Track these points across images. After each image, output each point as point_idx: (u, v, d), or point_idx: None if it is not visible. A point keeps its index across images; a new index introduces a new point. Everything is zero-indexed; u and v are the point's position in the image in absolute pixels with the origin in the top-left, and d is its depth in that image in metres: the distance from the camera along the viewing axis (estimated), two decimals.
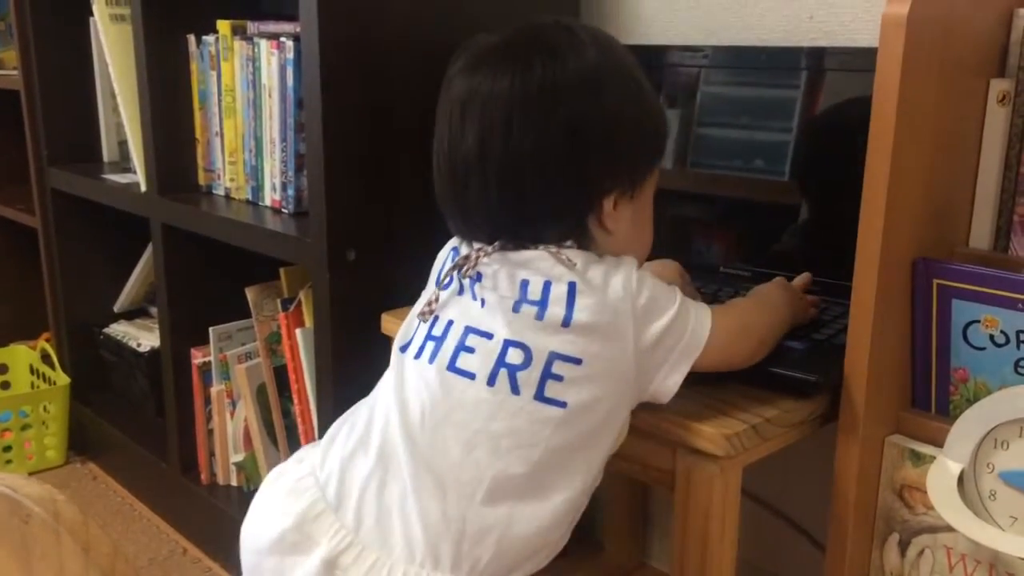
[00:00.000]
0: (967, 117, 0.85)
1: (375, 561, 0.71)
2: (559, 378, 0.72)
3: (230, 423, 1.47)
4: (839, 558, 0.84)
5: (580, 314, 0.72)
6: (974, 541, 0.77)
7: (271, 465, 1.41)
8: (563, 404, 0.72)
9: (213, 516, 1.49)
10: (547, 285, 0.73)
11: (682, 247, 1.12)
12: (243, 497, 1.49)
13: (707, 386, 0.83)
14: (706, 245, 1.13)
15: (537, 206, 0.75)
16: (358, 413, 0.81)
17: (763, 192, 1.06)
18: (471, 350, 0.74)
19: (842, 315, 0.91)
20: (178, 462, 1.56)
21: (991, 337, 0.78)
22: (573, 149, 0.73)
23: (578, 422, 0.73)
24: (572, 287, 0.73)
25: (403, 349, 0.80)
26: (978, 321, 0.78)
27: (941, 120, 0.81)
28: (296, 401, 1.30)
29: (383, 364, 1.08)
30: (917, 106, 0.76)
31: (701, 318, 0.77)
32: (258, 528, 0.77)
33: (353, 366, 1.16)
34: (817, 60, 1.01)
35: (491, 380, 0.73)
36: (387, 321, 1.07)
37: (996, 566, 0.77)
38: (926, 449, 0.81)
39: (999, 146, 0.85)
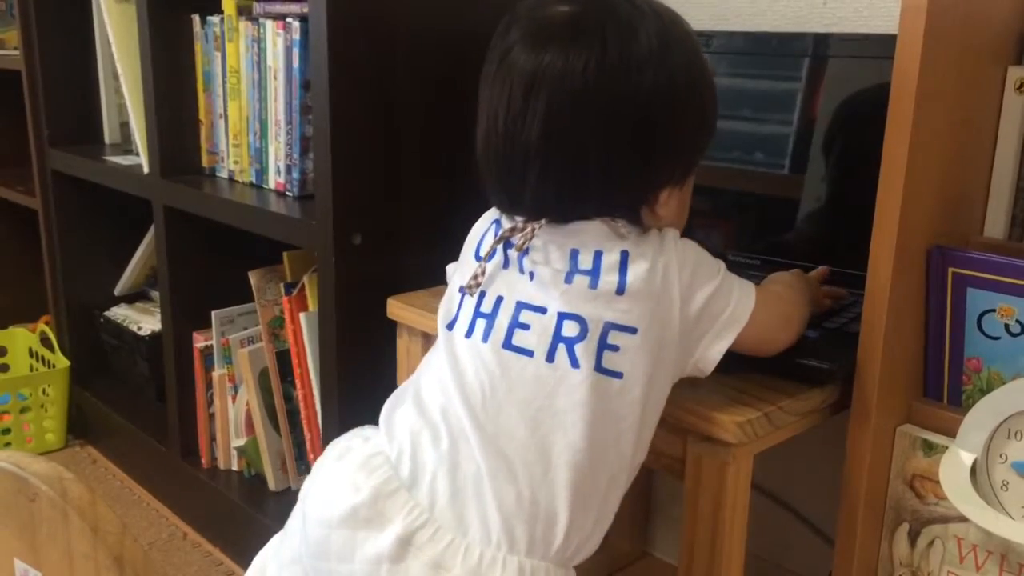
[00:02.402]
0: (984, 105, 0.84)
1: (451, 541, 0.70)
2: (615, 348, 0.71)
3: (231, 408, 1.47)
4: (848, 548, 0.83)
5: (634, 281, 0.71)
6: (986, 531, 0.76)
7: (272, 450, 1.40)
8: (619, 375, 0.71)
9: (214, 501, 1.49)
10: (598, 254, 0.72)
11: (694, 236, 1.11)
12: (244, 482, 1.48)
13: (719, 373, 0.82)
14: (714, 233, 1.12)
15: (596, 196, 0.73)
16: (410, 395, 0.78)
17: (774, 180, 1.05)
18: (526, 327, 0.73)
19: (855, 303, 0.91)
20: (179, 446, 1.55)
21: (1006, 326, 0.77)
22: (640, 144, 0.72)
23: (633, 394, 0.72)
24: (624, 255, 0.72)
25: (450, 327, 0.78)
26: (993, 310, 0.78)
27: (958, 108, 0.80)
28: (299, 386, 1.30)
29: (389, 349, 1.08)
30: (935, 93, 0.75)
31: (747, 290, 0.77)
32: (328, 501, 0.74)
33: (358, 351, 1.15)
34: (831, 47, 1.00)
35: (550, 356, 0.72)
36: (393, 305, 1.06)
37: (1008, 556, 0.77)
38: (938, 439, 0.80)
39: (1016, 134, 0.84)
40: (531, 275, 0.74)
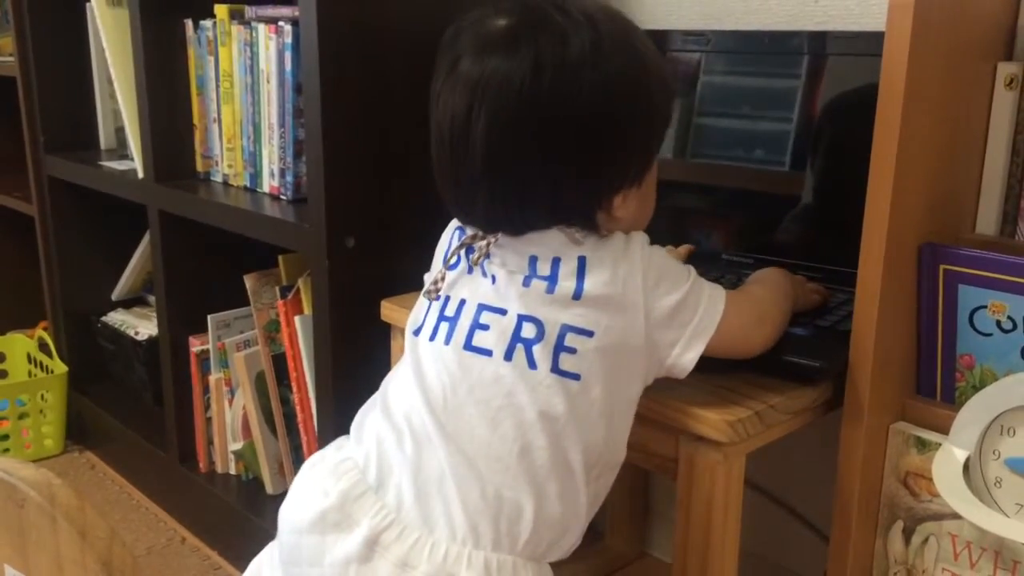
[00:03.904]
0: (974, 101, 0.84)
1: (417, 539, 0.71)
2: (572, 351, 0.72)
3: (228, 411, 1.47)
4: (843, 545, 0.83)
5: (591, 287, 0.72)
6: (980, 528, 0.76)
7: (270, 453, 1.40)
8: (577, 376, 0.72)
9: (212, 505, 1.49)
10: (556, 261, 0.73)
11: (686, 235, 1.11)
12: (242, 485, 1.48)
13: (710, 372, 0.82)
14: (708, 232, 1.12)
15: (546, 206, 0.73)
16: (379, 401, 0.80)
17: (766, 179, 1.05)
18: (486, 327, 0.74)
19: (846, 302, 0.91)
20: (176, 451, 1.55)
21: (998, 323, 0.77)
22: (583, 151, 0.72)
23: (592, 394, 0.72)
24: (582, 261, 0.72)
25: (416, 332, 0.79)
26: (985, 307, 0.78)
27: (948, 104, 0.80)
28: (295, 389, 1.30)
29: (383, 351, 1.08)
30: (924, 90, 0.75)
31: (715, 298, 0.76)
32: (298, 507, 0.76)
33: (352, 354, 1.15)
34: (823, 45, 1.00)
35: (508, 355, 0.72)
36: (387, 308, 1.06)
37: (1001, 553, 0.77)
38: (931, 436, 0.80)
39: (1007, 131, 0.84)
40: (493, 278, 0.75)
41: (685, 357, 0.75)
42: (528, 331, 0.72)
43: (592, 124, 0.71)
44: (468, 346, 0.74)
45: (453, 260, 0.78)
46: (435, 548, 0.70)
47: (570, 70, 0.70)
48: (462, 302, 0.76)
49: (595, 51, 0.70)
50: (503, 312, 0.73)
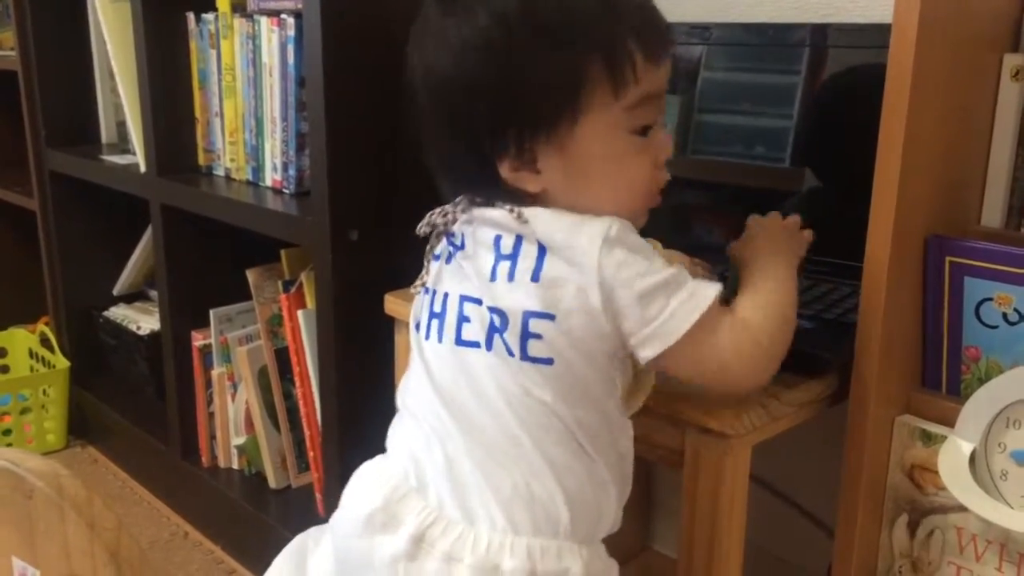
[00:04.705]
0: (980, 93, 0.84)
1: (460, 533, 0.71)
2: (539, 336, 0.70)
3: (231, 406, 1.47)
4: (848, 538, 0.83)
5: (548, 270, 0.70)
6: (986, 521, 0.76)
7: (272, 448, 1.40)
8: (549, 361, 0.71)
9: (214, 499, 1.49)
10: (519, 239, 0.72)
11: (694, 229, 1.11)
12: (244, 480, 1.48)
13: None
14: (713, 226, 1.12)
15: (455, 177, 0.76)
16: (401, 409, 0.81)
17: (772, 172, 1.05)
18: (468, 319, 0.74)
19: (851, 294, 0.91)
20: (179, 445, 1.56)
21: (1004, 315, 0.77)
22: (445, 118, 0.72)
23: (575, 375, 0.71)
24: (541, 244, 0.70)
25: (417, 328, 0.80)
26: (991, 299, 0.77)
27: (954, 96, 0.80)
28: (298, 383, 1.30)
29: (386, 345, 1.08)
30: (930, 81, 0.75)
31: (691, 305, 0.69)
32: (347, 514, 0.78)
33: (356, 347, 1.15)
34: (828, 37, 1.00)
35: (489, 345, 0.72)
36: (390, 302, 1.05)
37: (1007, 545, 0.77)
38: (937, 429, 0.80)
39: (1012, 122, 0.84)
40: (466, 267, 0.75)
41: (640, 353, 0.71)
42: (497, 320, 0.72)
43: (444, 88, 0.71)
44: (459, 341, 0.74)
45: (436, 250, 0.78)
46: (478, 540, 0.70)
47: (432, 37, 0.71)
48: (446, 295, 0.76)
49: (449, 16, 0.71)
50: (479, 302, 0.73)
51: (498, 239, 0.73)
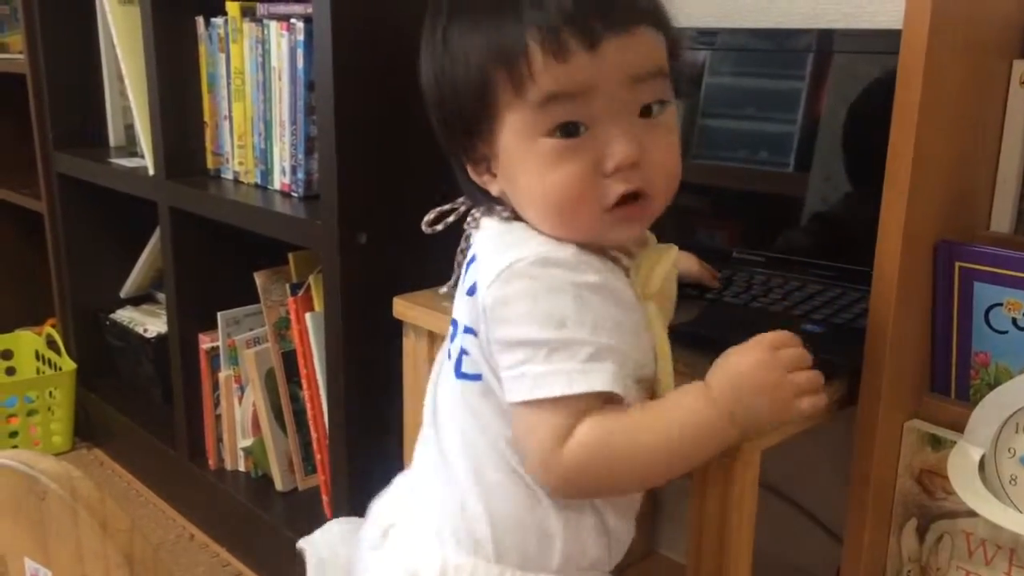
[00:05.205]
0: (990, 99, 0.84)
1: (408, 534, 0.76)
2: (468, 352, 0.70)
3: (238, 408, 1.47)
4: (857, 544, 0.83)
5: (472, 284, 0.69)
6: (995, 526, 0.76)
7: (279, 450, 1.41)
8: (478, 377, 0.69)
9: (221, 501, 1.49)
10: (470, 248, 0.73)
11: (700, 235, 1.11)
12: (251, 482, 1.48)
13: None
14: (721, 231, 1.12)
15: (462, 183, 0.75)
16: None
17: (781, 177, 1.05)
18: (467, 352, 0.71)
19: (861, 299, 0.91)
20: (186, 448, 1.56)
21: (1014, 320, 0.77)
22: (434, 119, 0.71)
23: (496, 395, 0.68)
24: (472, 259, 0.71)
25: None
26: (1000, 304, 0.77)
27: (964, 102, 0.80)
28: (305, 386, 1.30)
29: (394, 349, 1.08)
30: (941, 87, 0.75)
31: (530, 381, 0.63)
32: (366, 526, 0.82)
33: (363, 351, 1.16)
34: (836, 43, 1.00)
35: (451, 358, 0.74)
36: (399, 305, 1.06)
37: (1017, 551, 0.77)
38: (946, 434, 0.80)
39: (1021, 128, 0.84)
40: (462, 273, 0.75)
41: (504, 390, 0.66)
42: (450, 331, 0.74)
43: (425, 91, 0.71)
44: (448, 354, 0.74)
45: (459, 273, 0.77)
46: (413, 546, 0.74)
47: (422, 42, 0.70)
48: (454, 322, 0.74)
49: (430, 29, 0.70)
50: (456, 324, 0.73)
51: (469, 247, 0.73)
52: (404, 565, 0.73)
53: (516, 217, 0.70)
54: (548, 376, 0.62)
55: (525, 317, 0.63)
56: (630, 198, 0.65)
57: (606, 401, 0.64)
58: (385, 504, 0.81)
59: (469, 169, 0.71)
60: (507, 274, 0.64)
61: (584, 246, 0.66)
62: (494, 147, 0.67)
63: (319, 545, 0.89)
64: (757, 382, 0.64)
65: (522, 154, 0.65)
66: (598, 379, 0.62)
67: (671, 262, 0.71)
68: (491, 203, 0.71)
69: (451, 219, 0.76)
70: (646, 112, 0.65)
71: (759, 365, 0.65)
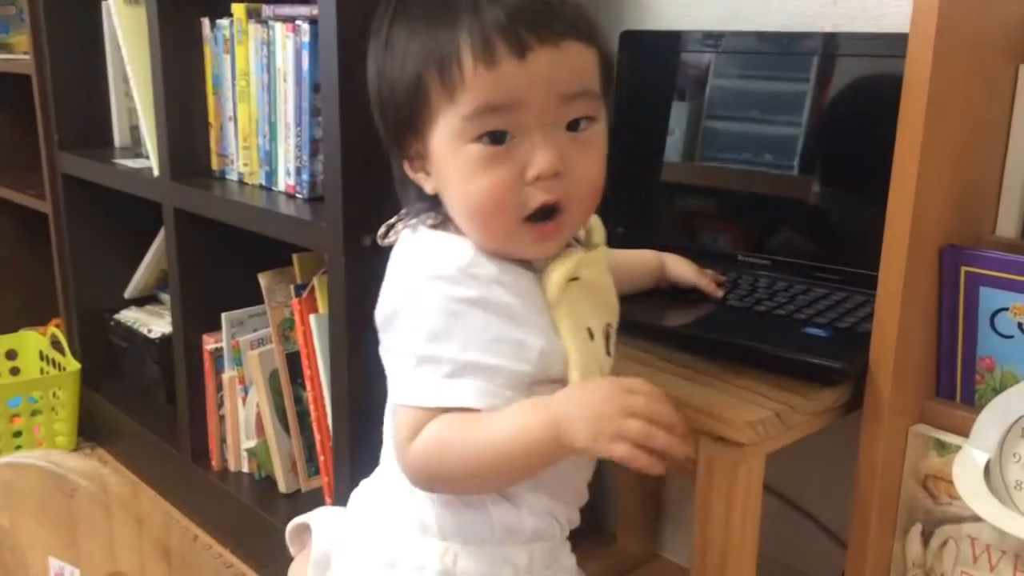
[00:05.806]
0: (996, 103, 0.84)
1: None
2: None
3: (242, 409, 1.47)
4: (861, 548, 0.83)
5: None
6: (1000, 531, 0.76)
7: (283, 451, 1.41)
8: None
9: (224, 503, 1.49)
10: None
11: (703, 237, 1.11)
12: (254, 484, 1.48)
13: (729, 373, 0.82)
14: (725, 234, 1.12)
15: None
16: None
17: (783, 181, 1.05)
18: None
19: (865, 303, 0.90)
20: (189, 449, 1.56)
21: (1019, 325, 0.77)
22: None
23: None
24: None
25: None
26: (1006, 309, 0.77)
27: (970, 106, 0.80)
28: (309, 387, 1.30)
29: None
30: (947, 91, 0.75)
31: (403, 387, 0.69)
32: None
33: (367, 353, 1.15)
34: (841, 46, 1.00)
35: None
36: None
37: (1021, 556, 0.76)
38: (951, 439, 0.80)
39: None
40: None
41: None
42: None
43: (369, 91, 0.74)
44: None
45: None
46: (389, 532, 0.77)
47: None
48: None
49: (375, 29, 0.72)
50: None
51: None
52: (383, 554, 0.76)
53: (445, 221, 0.73)
54: (412, 386, 0.68)
55: (404, 327, 0.69)
56: (547, 213, 0.67)
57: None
58: (361, 495, 0.83)
59: (405, 165, 0.74)
60: (399, 286, 0.70)
61: (498, 252, 0.69)
62: (427, 147, 0.70)
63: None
64: (590, 406, 0.65)
65: (451, 157, 0.68)
66: (454, 396, 0.66)
67: (591, 264, 0.72)
68: (424, 203, 0.74)
69: (402, 228, 0.77)
70: (573, 126, 0.67)
71: (603, 395, 0.65)
